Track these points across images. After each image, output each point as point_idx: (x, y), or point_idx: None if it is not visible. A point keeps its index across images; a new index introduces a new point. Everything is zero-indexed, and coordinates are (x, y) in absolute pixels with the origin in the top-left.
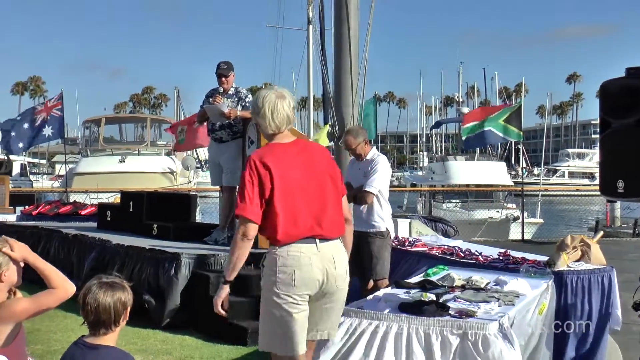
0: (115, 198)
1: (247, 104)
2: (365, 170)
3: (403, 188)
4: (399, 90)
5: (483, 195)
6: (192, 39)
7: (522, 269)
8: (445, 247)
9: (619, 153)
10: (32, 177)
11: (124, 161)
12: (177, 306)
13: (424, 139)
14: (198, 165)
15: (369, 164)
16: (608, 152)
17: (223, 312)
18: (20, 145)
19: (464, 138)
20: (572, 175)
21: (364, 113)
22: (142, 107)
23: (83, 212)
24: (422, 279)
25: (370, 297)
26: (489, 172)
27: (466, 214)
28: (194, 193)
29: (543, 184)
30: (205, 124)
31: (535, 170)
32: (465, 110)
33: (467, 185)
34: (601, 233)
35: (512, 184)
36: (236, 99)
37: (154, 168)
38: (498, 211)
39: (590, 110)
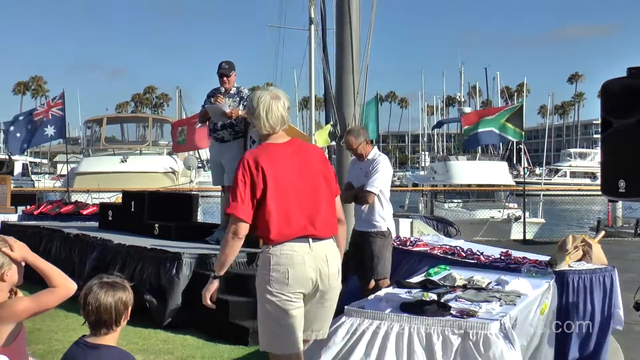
0: (117, 198)
1: None
2: (367, 170)
3: (405, 188)
4: (400, 90)
5: (485, 195)
6: (194, 39)
7: (524, 268)
8: (447, 246)
9: (621, 153)
10: (33, 177)
11: (125, 161)
12: (178, 306)
13: (425, 139)
14: (200, 165)
15: (370, 164)
16: (609, 152)
17: (211, 304)
18: (22, 145)
19: (465, 138)
20: (573, 175)
21: (365, 113)
22: (143, 107)
23: (85, 212)
24: (424, 278)
25: (371, 296)
26: (491, 172)
27: (468, 213)
28: (195, 193)
29: (545, 183)
30: (207, 124)
31: (537, 170)
32: (467, 110)
33: (469, 185)
34: (603, 233)
35: (514, 183)
36: (238, 99)
37: (155, 168)
38: (500, 211)
39: (592, 110)
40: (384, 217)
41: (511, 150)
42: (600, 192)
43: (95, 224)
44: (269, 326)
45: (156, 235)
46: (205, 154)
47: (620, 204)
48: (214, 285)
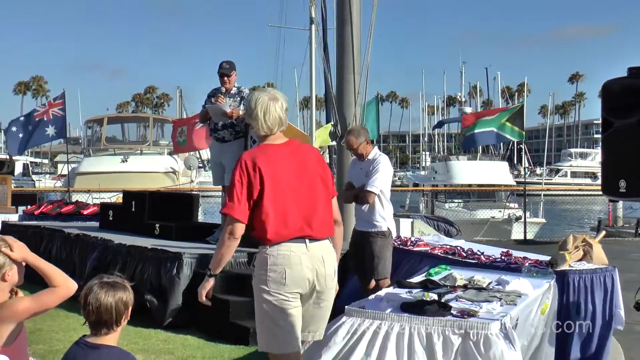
0: (118, 198)
1: None
2: (367, 170)
3: (405, 188)
4: (401, 90)
5: (485, 195)
6: (194, 39)
7: (524, 268)
8: (448, 246)
9: (621, 153)
10: (34, 177)
11: (126, 161)
12: (179, 306)
13: (426, 139)
14: (200, 165)
15: (370, 164)
16: (610, 151)
17: (206, 301)
18: (22, 145)
19: (475, 131)
20: (574, 175)
21: (366, 113)
22: (144, 107)
23: (85, 212)
24: (424, 278)
25: (372, 296)
26: (492, 171)
27: (468, 213)
28: (196, 192)
29: (545, 183)
30: (207, 124)
31: (538, 170)
32: (468, 110)
33: (470, 185)
34: (603, 233)
35: (515, 183)
36: (238, 99)
37: (156, 168)
38: (500, 211)
39: (592, 110)
40: (384, 217)
41: (512, 150)
42: (600, 192)
43: (95, 224)
44: (267, 326)
45: (157, 235)
46: (205, 154)
47: (620, 204)
48: (210, 283)
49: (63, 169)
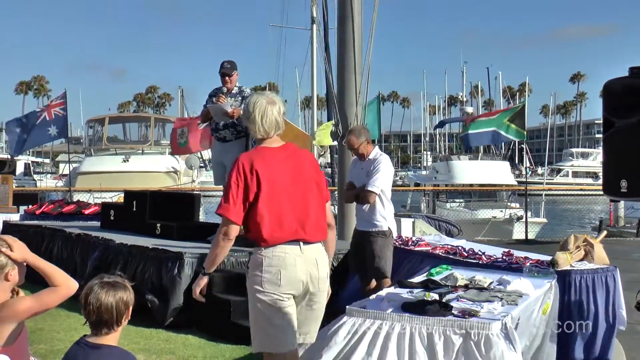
0: (119, 197)
1: None
2: (368, 170)
3: (407, 187)
4: (402, 90)
5: (487, 194)
6: (195, 39)
7: (526, 268)
8: (449, 246)
9: (622, 152)
10: (35, 177)
11: (127, 160)
12: (180, 305)
13: (427, 139)
14: (201, 165)
15: (371, 164)
16: (611, 151)
17: (201, 298)
18: (23, 145)
19: (469, 132)
20: (575, 174)
21: (367, 112)
22: (145, 107)
23: (86, 212)
24: (425, 278)
25: (373, 296)
26: (493, 171)
27: (470, 213)
28: (197, 192)
29: (547, 183)
30: (209, 124)
31: (539, 170)
32: (469, 109)
33: (471, 185)
34: (604, 233)
35: (516, 183)
36: (240, 98)
37: (157, 167)
38: (501, 211)
39: (594, 110)
40: (385, 216)
41: (513, 150)
42: (602, 192)
43: (97, 223)
44: (262, 326)
45: (158, 235)
46: (207, 153)
47: (622, 203)
48: (204, 280)
49: (64, 169)
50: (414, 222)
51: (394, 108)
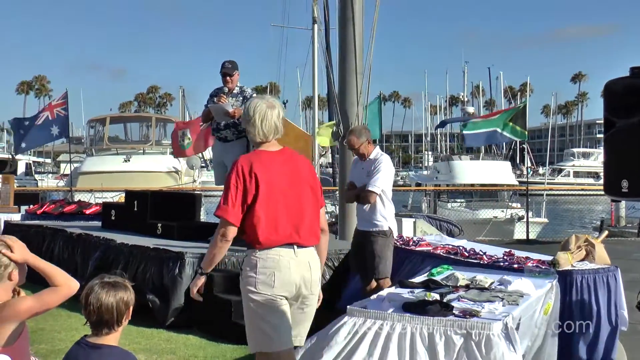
0: (120, 197)
1: None
2: (369, 170)
3: (408, 187)
4: (403, 90)
5: (488, 194)
6: (197, 39)
7: (527, 268)
8: (450, 246)
9: (623, 152)
10: (37, 176)
11: (128, 160)
12: (181, 305)
13: (428, 139)
14: (203, 165)
15: (372, 164)
16: (612, 151)
17: (198, 297)
18: (24, 145)
19: (464, 132)
20: (577, 174)
21: (368, 112)
22: (147, 107)
23: (88, 212)
24: (426, 278)
25: (374, 296)
26: (494, 171)
27: (471, 213)
28: (198, 192)
29: (548, 183)
30: (210, 124)
31: (540, 170)
32: (470, 109)
33: (472, 185)
34: (606, 233)
35: (517, 183)
36: (241, 98)
37: (158, 167)
38: (503, 211)
39: (595, 110)
40: (385, 216)
41: (514, 150)
42: (603, 192)
43: (98, 223)
44: (257, 325)
45: (159, 234)
46: (208, 153)
47: (623, 203)
48: (201, 280)
49: (65, 169)
50: (415, 222)
51: (395, 108)
